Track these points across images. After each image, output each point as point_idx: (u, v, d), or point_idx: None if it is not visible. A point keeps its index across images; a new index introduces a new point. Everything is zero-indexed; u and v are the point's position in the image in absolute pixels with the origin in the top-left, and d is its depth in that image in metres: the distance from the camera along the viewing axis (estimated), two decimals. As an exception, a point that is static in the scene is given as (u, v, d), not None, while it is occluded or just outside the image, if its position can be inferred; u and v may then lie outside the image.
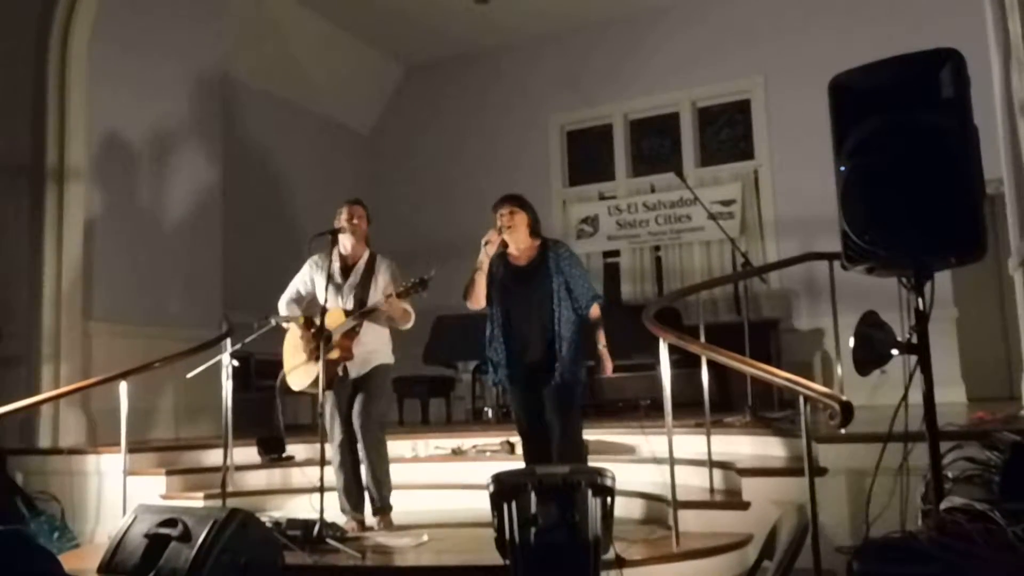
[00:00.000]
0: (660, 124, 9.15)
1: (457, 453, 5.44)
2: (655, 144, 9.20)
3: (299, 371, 4.40)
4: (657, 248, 8.80)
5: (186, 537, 3.24)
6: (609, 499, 3.09)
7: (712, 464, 4.11)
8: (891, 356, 2.64)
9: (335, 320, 4.28)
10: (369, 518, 4.39)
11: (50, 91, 5.80)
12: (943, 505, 2.34)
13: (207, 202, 6.96)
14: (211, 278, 6.87)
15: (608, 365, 4.06)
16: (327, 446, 4.27)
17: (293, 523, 3.86)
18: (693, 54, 8.67)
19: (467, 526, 4.16)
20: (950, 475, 2.64)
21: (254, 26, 8.19)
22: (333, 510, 4.18)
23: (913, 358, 2.64)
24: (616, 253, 8.99)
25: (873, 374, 2.68)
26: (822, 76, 2.90)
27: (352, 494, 4.37)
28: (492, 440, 5.45)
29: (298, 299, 4.52)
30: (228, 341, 4.88)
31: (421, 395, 7.46)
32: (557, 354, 3.95)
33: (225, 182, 7.16)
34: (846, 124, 2.72)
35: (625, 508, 4.07)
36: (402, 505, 4.43)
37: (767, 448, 4.40)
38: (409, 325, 4.43)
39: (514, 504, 3.00)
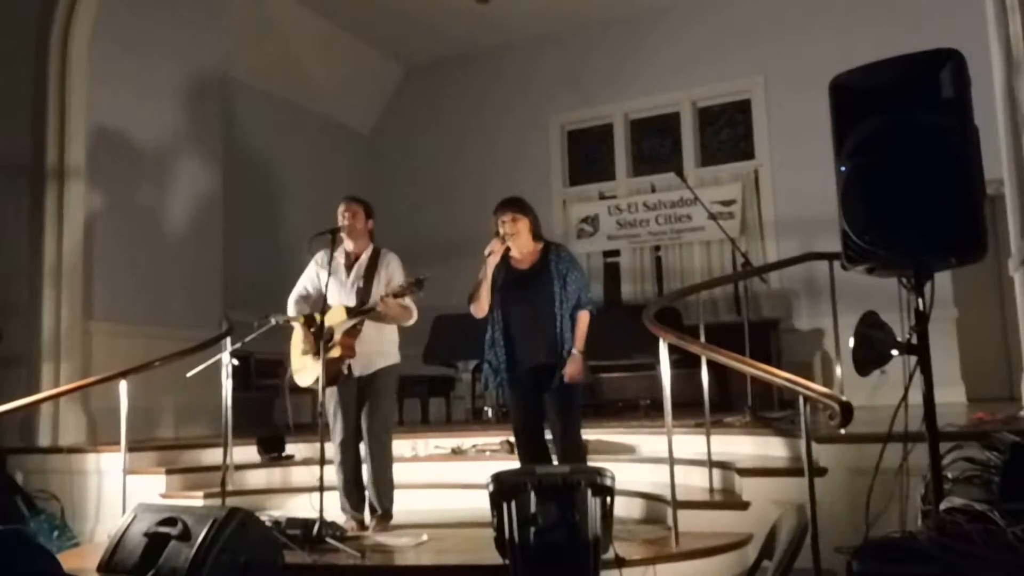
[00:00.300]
0: (660, 124, 9.15)
1: (457, 453, 5.45)
2: (655, 144, 9.20)
3: (304, 368, 4.39)
4: (657, 248, 8.80)
5: (186, 536, 3.24)
6: (609, 499, 3.09)
7: (712, 464, 4.11)
8: (891, 356, 2.64)
9: (336, 318, 4.28)
10: (368, 518, 4.38)
11: (50, 91, 5.81)
12: (943, 505, 2.34)
13: (207, 201, 6.96)
14: (211, 277, 6.87)
15: (573, 371, 3.90)
16: (329, 444, 4.27)
17: (293, 522, 3.86)
18: (693, 54, 8.67)
19: (467, 526, 4.16)
20: (950, 475, 2.64)
21: (254, 26, 8.19)
22: (333, 509, 4.18)
23: (913, 358, 2.64)
24: (616, 253, 8.99)
25: (873, 374, 2.68)
26: (822, 76, 2.90)
27: (352, 493, 4.36)
28: (492, 440, 5.45)
29: (306, 296, 4.51)
30: (228, 340, 4.88)
31: (421, 395, 7.47)
32: (559, 357, 3.93)
33: (225, 182, 7.16)
34: (846, 124, 2.72)
35: (625, 508, 4.07)
36: (402, 504, 4.42)
37: (767, 448, 4.40)
38: (411, 322, 4.41)
39: (514, 504, 3.00)
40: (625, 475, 3.94)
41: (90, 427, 5.62)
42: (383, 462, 4.34)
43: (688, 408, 4.48)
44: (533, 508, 2.98)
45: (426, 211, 9.43)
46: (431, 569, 3.60)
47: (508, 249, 4.10)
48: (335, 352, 4.23)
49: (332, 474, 4.30)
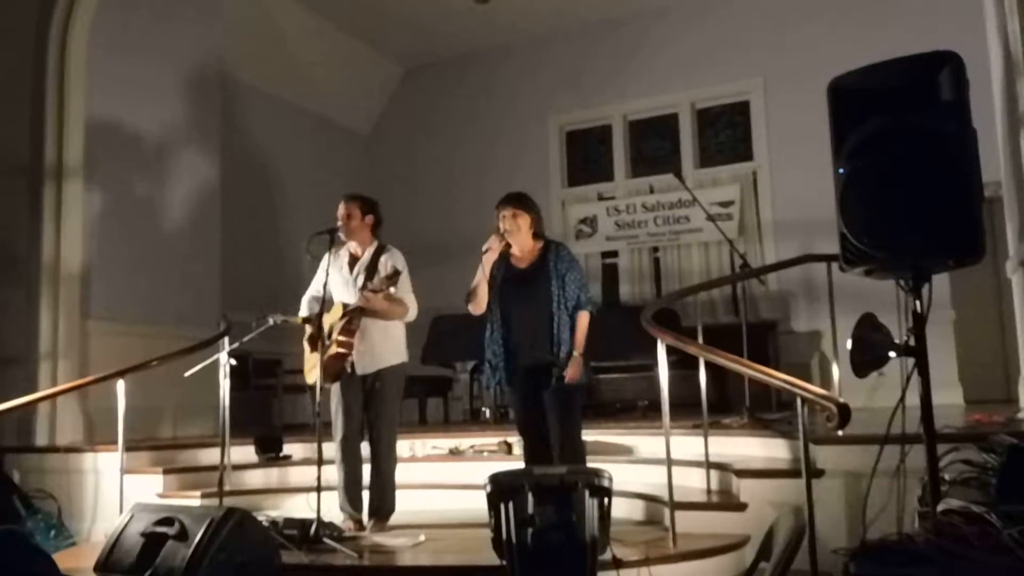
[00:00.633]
0: (659, 125, 9.16)
1: (454, 453, 5.45)
2: (654, 145, 9.21)
3: (313, 367, 4.39)
4: (656, 249, 8.81)
5: (183, 536, 3.24)
6: (606, 500, 3.09)
7: (709, 465, 4.12)
8: (889, 358, 2.64)
9: (335, 316, 4.29)
10: (366, 518, 4.38)
11: (49, 90, 5.80)
12: (940, 507, 2.34)
13: (206, 201, 6.96)
14: (209, 277, 6.87)
15: (573, 372, 3.90)
16: (328, 443, 4.26)
17: (290, 522, 3.86)
18: (692, 55, 8.68)
19: (464, 526, 4.15)
20: (947, 477, 2.64)
21: (254, 26, 8.19)
22: (331, 510, 4.18)
23: (910, 360, 2.65)
24: (615, 254, 9.00)
25: (870, 376, 2.68)
26: (821, 78, 2.90)
27: (353, 493, 4.34)
28: (489, 440, 5.45)
29: (317, 297, 4.49)
30: (226, 340, 4.88)
31: (419, 395, 7.47)
32: (557, 357, 3.93)
33: (224, 182, 7.16)
34: (845, 126, 2.72)
35: (622, 509, 4.07)
36: (399, 505, 4.42)
37: (764, 450, 4.41)
38: (409, 318, 4.39)
39: (511, 504, 3.00)
40: (623, 476, 3.95)
41: (87, 426, 5.62)
42: (387, 463, 4.33)
43: (686, 409, 4.48)
44: (530, 509, 2.98)
45: (425, 211, 9.42)
46: (428, 570, 3.60)
47: (508, 246, 4.10)
48: (333, 350, 4.23)
49: (332, 473, 4.29)
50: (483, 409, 7.34)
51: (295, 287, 6.67)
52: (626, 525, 4.00)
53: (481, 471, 3.56)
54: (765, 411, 5.51)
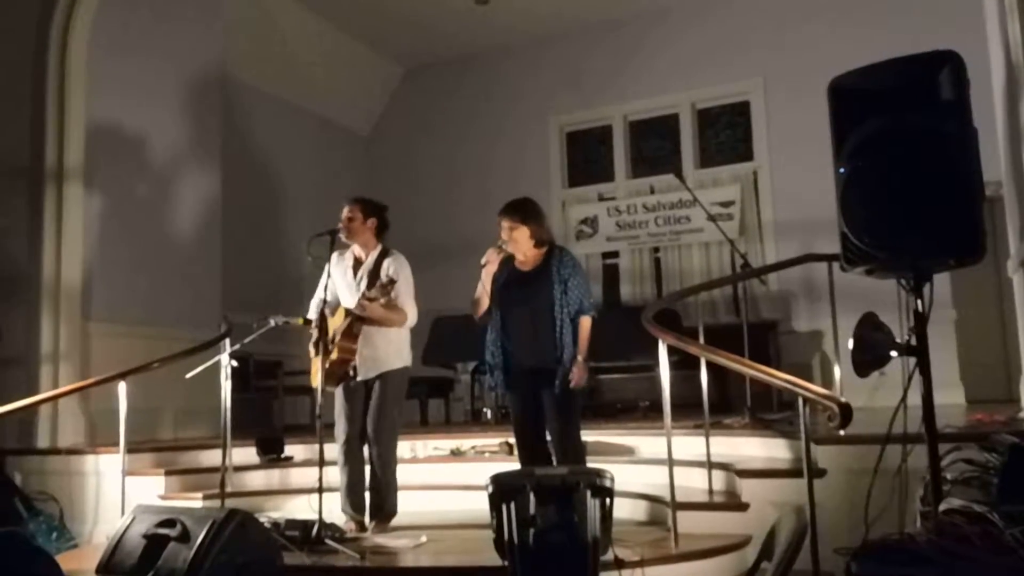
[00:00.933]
0: (660, 126, 9.16)
1: (456, 454, 5.44)
2: (655, 145, 9.21)
3: (317, 370, 4.39)
4: (656, 249, 8.81)
5: (185, 537, 3.24)
6: (608, 500, 3.09)
7: (711, 465, 4.11)
8: (890, 358, 2.65)
9: (338, 320, 4.29)
10: (368, 520, 4.38)
11: (49, 92, 5.80)
12: (941, 507, 2.35)
13: (206, 203, 6.96)
14: (210, 278, 6.87)
15: (578, 376, 3.89)
16: (331, 445, 4.26)
17: (292, 524, 3.86)
18: (693, 56, 8.68)
19: (466, 527, 4.15)
20: (948, 477, 2.64)
21: (254, 27, 8.20)
22: (332, 511, 4.18)
23: (912, 360, 2.65)
24: (615, 254, 9.00)
25: (872, 376, 2.68)
26: (821, 78, 2.90)
27: (355, 495, 4.34)
28: (491, 441, 5.44)
29: (323, 299, 4.49)
30: (227, 341, 4.88)
31: (420, 396, 7.46)
32: (557, 362, 3.92)
33: (224, 183, 7.16)
34: (845, 126, 2.72)
35: (624, 509, 4.06)
36: (401, 506, 4.42)
37: (766, 449, 4.41)
38: (409, 324, 4.39)
39: (513, 505, 3.00)
40: (624, 476, 3.94)
41: (89, 428, 5.62)
42: (388, 466, 4.33)
43: (687, 409, 4.48)
44: (532, 509, 2.98)
45: (425, 212, 9.42)
46: (430, 571, 3.60)
47: (510, 258, 4.10)
48: (334, 354, 4.23)
49: (333, 474, 4.29)
50: (484, 410, 7.34)
51: (296, 288, 6.70)
52: (628, 525, 4.00)
53: (482, 472, 3.56)
54: (766, 411, 5.51)
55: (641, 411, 6.72)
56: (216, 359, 4.84)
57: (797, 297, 7.93)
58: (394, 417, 4.40)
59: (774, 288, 7.89)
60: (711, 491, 4.06)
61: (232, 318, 5.22)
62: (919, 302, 2.65)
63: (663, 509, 3.84)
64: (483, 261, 4.04)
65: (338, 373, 4.25)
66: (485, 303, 4.08)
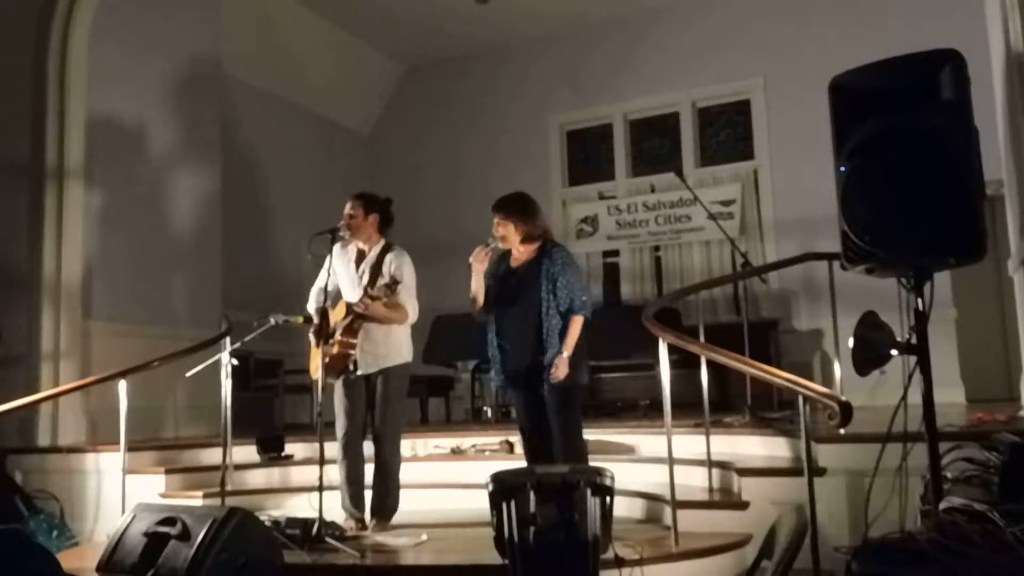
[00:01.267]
0: (660, 124, 9.17)
1: (456, 452, 5.45)
2: (655, 144, 9.21)
3: (315, 362, 4.39)
4: (657, 248, 8.81)
5: (185, 536, 3.24)
6: (608, 499, 3.09)
7: (711, 464, 4.11)
8: (890, 357, 2.65)
9: (339, 315, 4.29)
10: (369, 518, 4.38)
11: (50, 91, 5.79)
12: (942, 505, 2.34)
13: (206, 201, 6.96)
14: (210, 277, 6.87)
15: (558, 371, 3.85)
16: (331, 442, 4.26)
17: (292, 522, 3.86)
18: (693, 55, 8.68)
19: (466, 525, 4.15)
20: (949, 476, 2.64)
21: (254, 26, 8.19)
22: (333, 509, 4.18)
23: (912, 359, 2.65)
24: (616, 253, 9.00)
25: (872, 375, 2.68)
26: (822, 77, 2.90)
27: (355, 492, 4.34)
28: (491, 439, 5.45)
29: (323, 288, 4.48)
30: (227, 340, 4.88)
31: (420, 394, 7.47)
32: (542, 361, 3.92)
33: (224, 181, 7.16)
34: (846, 125, 2.72)
35: (624, 508, 4.07)
36: (401, 504, 4.42)
37: (766, 448, 4.40)
38: (409, 322, 4.39)
39: (513, 504, 3.00)
40: (624, 475, 3.94)
41: (89, 427, 5.61)
42: (391, 463, 4.33)
43: (687, 408, 4.48)
44: (532, 508, 2.98)
45: (425, 211, 9.39)
46: (430, 569, 3.60)
47: (506, 253, 4.11)
48: (333, 349, 4.24)
49: (334, 473, 4.29)
50: (485, 408, 7.34)
51: (296, 287, 6.68)
52: (628, 524, 4.01)
53: (483, 470, 3.56)
54: (767, 410, 5.51)
55: (641, 410, 6.73)
56: (216, 357, 4.85)
57: (797, 296, 7.93)
58: (398, 413, 4.40)
59: (774, 287, 7.88)
60: (711, 490, 4.06)
61: (232, 317, 5.23)
62: (919, 301, 2.65)
63: (663, 507, 3.85)
64: (471, 259, 4.04)
65: (338, 366, 4.26)
66: (481, 300, 4.09)
